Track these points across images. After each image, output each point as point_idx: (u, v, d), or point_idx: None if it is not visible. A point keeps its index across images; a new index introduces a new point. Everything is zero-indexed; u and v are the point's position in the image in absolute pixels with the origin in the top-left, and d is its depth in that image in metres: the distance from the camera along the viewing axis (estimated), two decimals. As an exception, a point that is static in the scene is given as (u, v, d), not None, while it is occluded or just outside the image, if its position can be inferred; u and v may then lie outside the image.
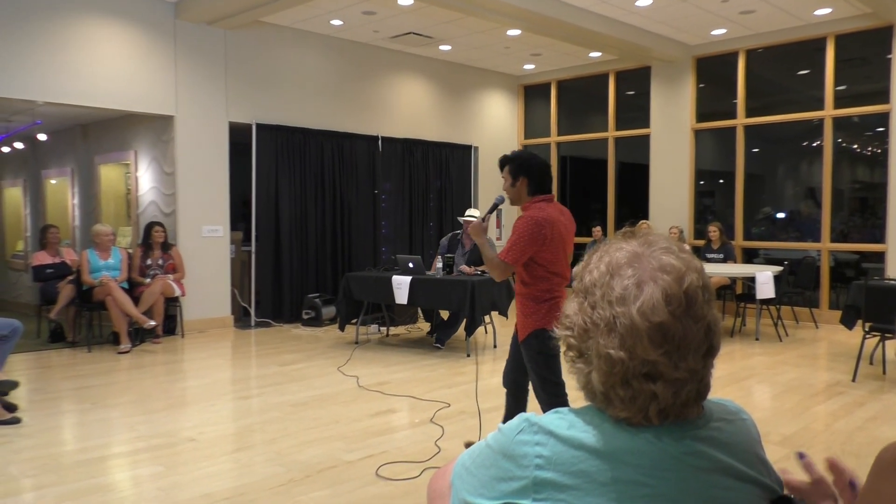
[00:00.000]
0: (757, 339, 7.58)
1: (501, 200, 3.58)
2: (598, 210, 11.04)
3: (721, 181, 10.05)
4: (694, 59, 9.78)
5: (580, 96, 11.46)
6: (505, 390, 3.81)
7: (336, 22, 8.55)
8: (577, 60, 10.59)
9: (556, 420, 1.00)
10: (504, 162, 3.53)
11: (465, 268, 7.07)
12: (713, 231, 8.73)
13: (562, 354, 1.04)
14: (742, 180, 9.51)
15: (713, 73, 9.83)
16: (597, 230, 10.10)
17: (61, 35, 7.01)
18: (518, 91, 11.79)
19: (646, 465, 0.95)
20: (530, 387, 3.68)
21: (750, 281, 7.70)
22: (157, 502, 3.28)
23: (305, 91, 8.98)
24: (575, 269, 1.07)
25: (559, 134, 11.47)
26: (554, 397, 3.45)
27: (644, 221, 9.84)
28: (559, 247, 3.39)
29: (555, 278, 3.40)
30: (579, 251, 8.34)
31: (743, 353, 6.93)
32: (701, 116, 9.87)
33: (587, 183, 11.64)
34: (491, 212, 3.52)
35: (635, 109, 10.60)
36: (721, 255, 8.64)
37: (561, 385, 3.46)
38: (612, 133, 10.77)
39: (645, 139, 10.36)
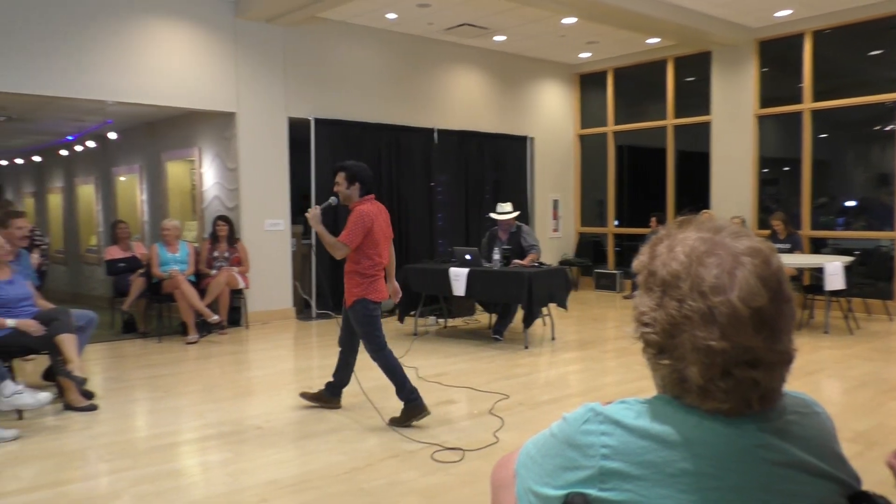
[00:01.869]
0: (826, 332, 7.34)
1: (336, 202, 4.40)
2: (655, 200, 10.84)
3: (786, 169, 9.74)
4: (756, 42, 9.48)
5: (637, 84, 11.25)
6: (340, 349, 4.63)
7: (391, 15, 8.61)
8: (635, 47, 10.40)
9: (623, 410, 1.00)
10: (340, 169, 4.38)
11: (518, 261, 7.05)
12: (776, 224, 8.46)
13: (642, 352, 1.02)
14: (809, 167, 9.19)
15: (777, 56, 9.52)
16: (653, 220, 9.93)
17: (129, 37, 7.27)
18: (573, 80, 11.65)
19: (716, 456, 0.94)
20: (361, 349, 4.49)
21: (818, 272, 7.45)
22: (226, 487, 3.39)
23: (362, 85, 9.08)
24: (637, 263, 1.05)
25: (616, 123, 11.29)
26: (377, 351, 4.31)
27: (706, 211, 9.62)
28: (381, 235, 4.35)
29: (376, 258, 4.35)
30: (636, 241, 8.20)
31: (811, 346, 6.72)
32: (764, 102, 9.57)
33: (645, 172, 11.44)
34: (325, 207, 4.38)
35: (695, 96, 10.35)
36: (788, 245, 8.38)
37: (381, 338, 4.33)
38: (670, 121, 10.55)
39: (705, 127, 10.11)
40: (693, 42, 9.57)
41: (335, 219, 8.11)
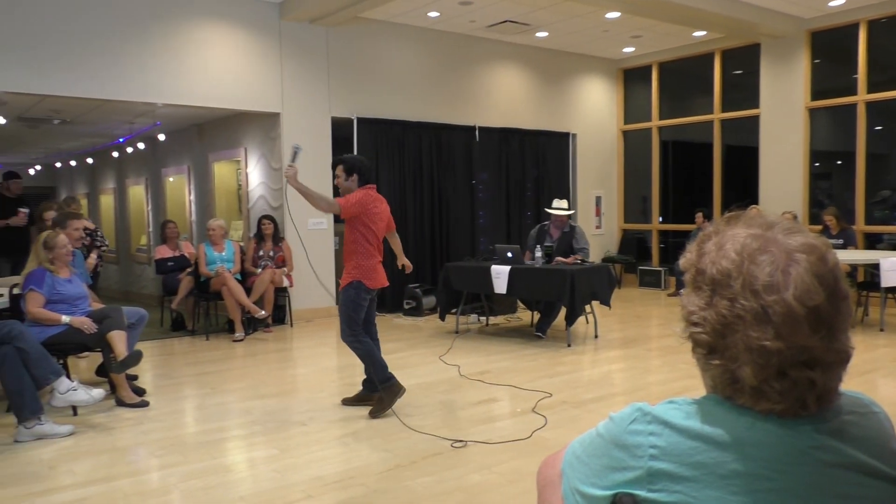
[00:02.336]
0: (882, 330, 7.10)
1: (299, 148, 4.43)
2: (701, 196, 10.63)
3: (839, 162, 9.45)
4: (808, 33, 9.22)
5: (683, 78, 11.05)
6: None
7: (433, 14, 8.62)
8: (680, 41, 10.22)
9: (671, 410, 0.98)
10: (339, 162, 4.50)
11: (561, 259, 7.00)
12: (829, 219, 8.22)
13: (691, 352, 1.00)
14: (863, 161, 8.90)
15: (829, 47, 9.23)
16: (699, 216, 9.74)
17: (178, 41, 7.42)
18: (617, 75, 11.50)
19: (769, 457, 0.92)
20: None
21: (873, 268, 7.21)
22: (272, 483, 3.44)
23: (404, 84, 9.11)
24: (684, 261, 1.02)
25: (661, 118, 11.11)
26: (354, 337, 4.39)
27: (754, 206, 9.39)
28: (377, 219, 4.43)
29: (375, 242, 4.45)
30: (682, 238, 8.04)
31: (866, 344, 6.51)
32: (816, 94, 9.30)
33: (690, 168, 11.24)
34: (294, 157, 4.38)
35: (743, 89, 10.12)
36: (841, 241, 8.13)
37: (360, 326, 4.43)
38: (717, 115, 10.34)
39: (754, 120, 9.88)
40: (741, 34, 9.35)
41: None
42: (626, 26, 9.37)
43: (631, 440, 0.97)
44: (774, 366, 0.91)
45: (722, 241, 0.98)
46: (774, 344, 0.90)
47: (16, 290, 4.84)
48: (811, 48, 9.27)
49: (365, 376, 4.69)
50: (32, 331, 4.35)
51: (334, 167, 4.50)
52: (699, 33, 9.78)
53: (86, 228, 6.22)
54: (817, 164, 9.50)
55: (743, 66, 10.11)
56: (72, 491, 3.38)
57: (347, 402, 4.75)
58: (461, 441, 3.96)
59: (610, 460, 0.99)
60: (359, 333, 4.43)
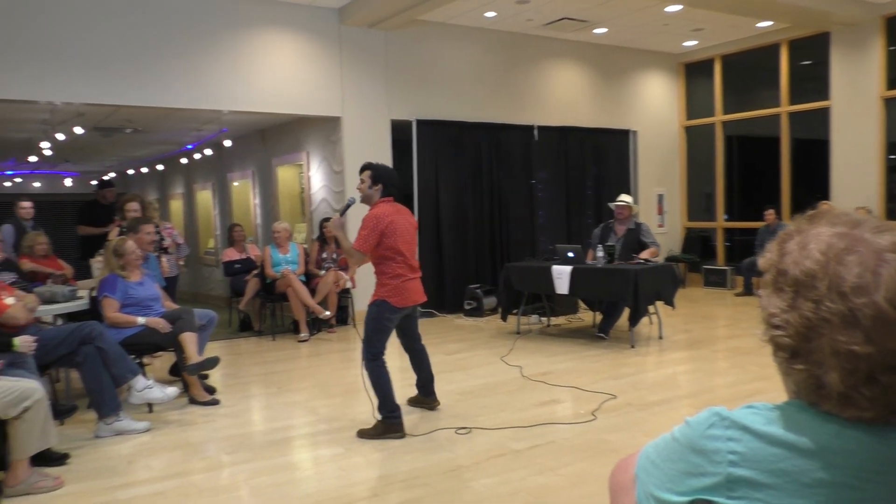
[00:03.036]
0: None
1: (353, 201, 4.41)
2: (768, 192, 10.30)
3: (918, 154, 9.02)
4: (883, 19, 8.83)
5: (747, 71, 10.74)
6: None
7: (490, 14, 8.62)
8: (744, 32, 9.94)
9: (751, 415, 0.95)
10: (366, 167, 4.34)
11: (642, 254, 6.92)
12: None
13: (773, 356, 0.97)
14: (944, 152, 8.47)
15: (906, 34, 8.83)
16: (770, 213, 9.44)
17: (242, 50, 7.64)
18: (678, 70, 11.26)
19: (857, 466, 0.88)
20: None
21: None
22: (338, 481, 3.50)
23: (462, 85, 9.14)
24: (764, 261, 0.99)
25: (725, 112, 10.82)
26: (371, 358, 4.22)
27: (825, 202, 9.05)
28: (401, 233, 4.21)
29: (400, 259, 4.22)
30: (748, 236, 7.81)
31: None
32: (892, 83, 8.90)
33: (756, 163, 10.91)
34: (345, 210, 4.38)
35: (811, 81, 9.77)
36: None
37: (382, 347, 4.25)
38: (784, 108, 10.00)
39: (824, 112, 9.52)
40: (810, 23, 9.02)
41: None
42: (688, 19, 9.16)
43: (709, 445, 0.95)
44: (863, 371, 0.87)
45: (805, 241, 0.94)
46: (864, 348, 0.86)
47: (93, 294, 5.06)
48: (886, 35, 8.87)
49: (421, 382, 4.68)
50: (110, 332, 4.55)
51: (361, 171, 4.35)
52: (764, 24, 9.48)
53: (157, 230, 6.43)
54: (893, 157, 9.09)
55: (811, 57, 9.76)
56: (149, 485, 3.52)
57: (410, 401, 4.74)
58: (465, 428, 4.04)
59: (686, 465, 0.97)
60: (376, 356, 4.22)
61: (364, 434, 4.17)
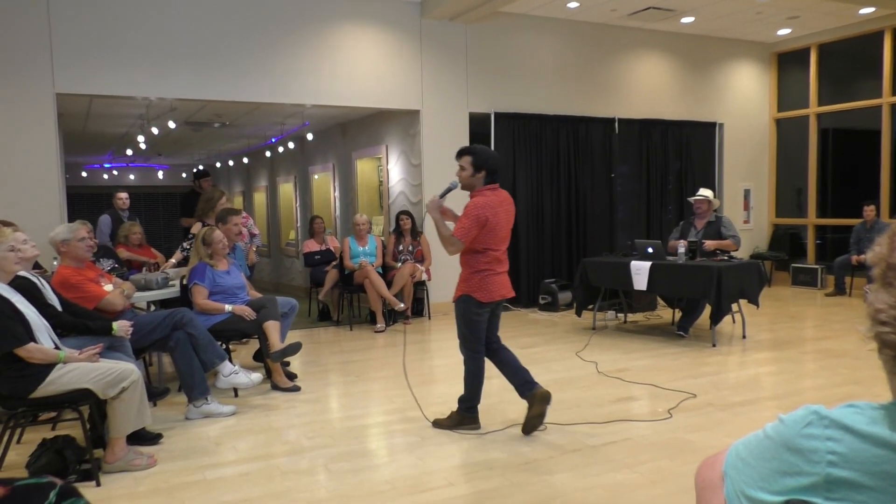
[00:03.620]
0: None
1: (455, 185, 4.05)
2: (865, 188, 9.76)
3: None
4: None
5: (846, 60, 10.19)
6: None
7: (572, 4, 8.50)
8: (844, 20, 9.44)
9: (853, 414, 0.92)
10: (466, 152, 4.01)
11: (709, 243, 6.74)
12: None
13: (877, 353, 0.93)
14: None
15: None
16: (870, 210, 8.97)
17: (325, 44, 7.81)
18: (770, 60, 10.80)
19: None
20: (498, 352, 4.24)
21: None
22: (415, 469, 3.56)
23: (541, 77, 9.06)
24: (873, 255, 0.95)
25: (820, 104, 10.32)
26: (471, 351, 4.08)
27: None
28: (497, 228, 3.94)
29: (492, 252, 3.96)
30: (841, 234, 7.43)
31: None
32: None
33: (852, 157, 10.36)
34: (445, 193, 4.05)
35: (917, 70, 9.19)
36: None
37: (479, 342, 4.06)
38: (886, 99, 9.45)
39: (930, 103, 8.94)
40: (915, 8, 8.49)
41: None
42: (782, 7, 8.77)
43: (806, 444, 0.93)
44: None
45: None
46: None
47: (184, 282, 5.30)
48: None
49: (511, 384, 4.21)
50: (199, 319, 4.76)
51: (459, 156, 4.01)
52: (866, 10, 8.97)
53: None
54: None
55: (917, 44, 9.17)
56: (235, 466, 3.67)
57: (526, 429, 4.11)
58: (602, 437, 3.91)
59: (781, 464, 0.95)
60: (475, 350, 4.08)
61: (440, 424, 4.17)
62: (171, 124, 8.72)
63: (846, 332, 6.76)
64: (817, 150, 10.45)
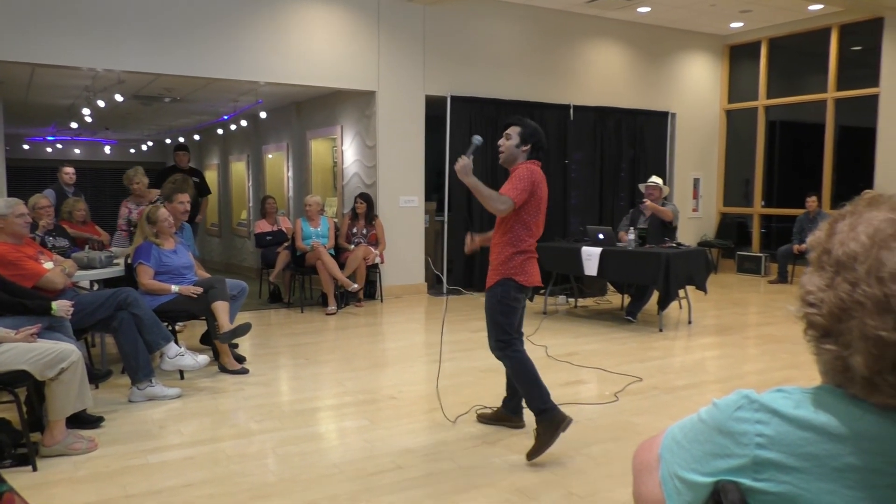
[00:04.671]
0: None
1: (480, 141, 3.64)
2: (809, 179, 10.07)
3: (968, 145, 8.72)
4: (938, 4, 8.51)
5: (795, 55, 10.45)
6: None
7: (529, -10, 8.50)
8: (794, 15, 9.65)
9: (781, 398, 0.95)
10: (516, 122, 3.70)
11: (649, 203, 6.90)
12: None
13: (803, 333, 0.96)
14: None
15: (962, 19, 8.49)
16: (812, 200, 9.26)
17: (281, 21, 7.65)
18: (723, 52, 11.00)
19: (889, 452, 0.87)
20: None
21: None
22: (363, 453, 3.55)
23: (499, 62, 9.05)
24: (812, 240, 0.98)
25: (769, 97, 10.56)
26: (503, 343, 3.61)
27: (868, 191, 8.80)
28: (542, 206, 3.63)
29: (535, 230, 3.63)
30: (785, 223, 7.62)
31: None
32: (944, 71, 8.60)
33: (798, 149, 10.66)
34: (473, 151, 3.58)
35: (861, 67, 9.48)
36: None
37: (513, 334, 3.62)
38: (831, 94, 9.73)
39: (872, 100, 9.24)
40: (864, 7, 8.72)
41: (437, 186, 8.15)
42: (736, 0, 8.93)
43: (736, 427, 0.95)
44: (889, 358, 0.86)
45: (856, 223, 0.93)
46: (892, 336, 0.85)
47: (129, 261, 5.16)
48: (941, 21, 8.56)
49: (506, 393, 3.94)
50: (144, 299, 4.64)
51: (507, 126, 3.70)
52: (815, 7, 9.20)
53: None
54: (942, 147, 8.81)
55: (863, 42, 9.45)
56: (179, 450, 3.61)
57: (483, 419, 4.01)
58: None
59: (713, 447, 0.97)
60: (512, 342, 3.61)
61: (536, 452, 3.40)
62: (119, 98, 8.42)
63: (787, 319, 6.99)
64: (765, 141, 10.72)
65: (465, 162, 3.49)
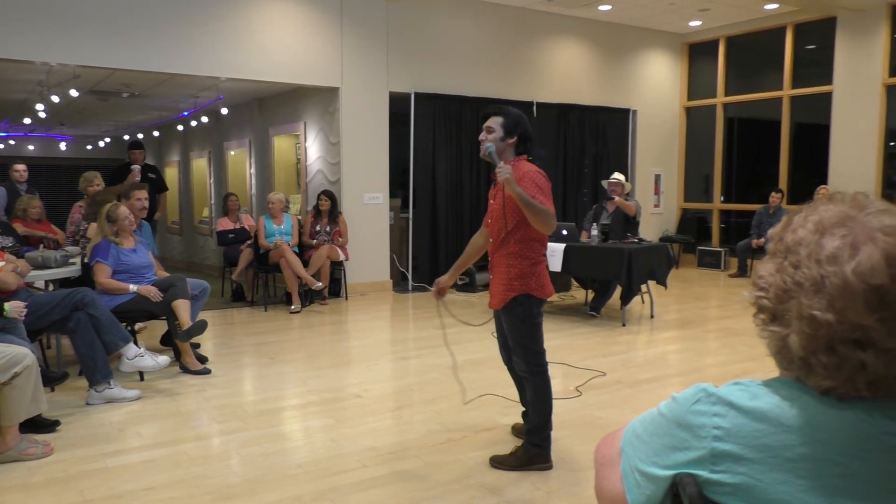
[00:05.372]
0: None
1: (492, 148, 3.24)
2: (767, 175, 10.30)
3: (917, 142, 9.00)
4: (889, 6, 8.76)
5: (751, 53, 10.66)
6: (508, 371, 3.59)
7: (492, -13, 8.51)
8: (751, 14, 9.84)
9: (737, 391, 0.97)
10: (496, 112, 3.28)
11: (618, 199, 7.02)
12: None
13: (752, 317, 0.99)
14: (943, 140, 8.46)
15: (911, 19, 8.75)
16: (776, 196, 9.49)
17: (242, 16, 7.53)
18: (682, 50, 11.17)
19: (839, 442, 0.90)
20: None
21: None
22: (328, 451, 3.53)
23: (462, 59, 9.05)
24: (771, 232, 1.01)
25: (727, 94, 10.76)
26: (535, 367, 3.26)
27: (823, 187, 9.06)
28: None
29: (545, 238, 3.26)
30: (744, 218, 7.78)
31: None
32: (895, 70, 8.85)
33: (756, 146, 10.88)
34: (500, 159, 3.21)
35: (815, 65, 9.71)
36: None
37: (542, 354, 3.29)
38: (787, 92, 9.95)
39: (825, 97, 9.48)
40: (818, 7, 8.94)
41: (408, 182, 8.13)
42: (693, -1, 9.08)
43: (694, 420, 0.97)
44: (823, 338, 0.89)
45: (808, 214, 0.97)
46: (824, 315, 0.88)
47: (85, 260, 5.04)
48: (892, 22, 8.80)
49: (524, 407, 3.60)
50: (102, 299, 4.54)
51: (486, 118, 3.30)
52: (771, 6, 9.39)
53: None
54: (893, 144, 9.07)
55: (816, 41, 9.68)
56: (139, 452, 3.54)
57: (516, 433, 3.72)
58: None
59: (672, 440, 0.99)
60: (539, 363, 3.27)
61: (502, 463, 3.29)
62: (74, 93, 8.20)
63: (746, 312, 7.12)
64: (723, 138, 10.92)
65: (507, 168, 3.05)
